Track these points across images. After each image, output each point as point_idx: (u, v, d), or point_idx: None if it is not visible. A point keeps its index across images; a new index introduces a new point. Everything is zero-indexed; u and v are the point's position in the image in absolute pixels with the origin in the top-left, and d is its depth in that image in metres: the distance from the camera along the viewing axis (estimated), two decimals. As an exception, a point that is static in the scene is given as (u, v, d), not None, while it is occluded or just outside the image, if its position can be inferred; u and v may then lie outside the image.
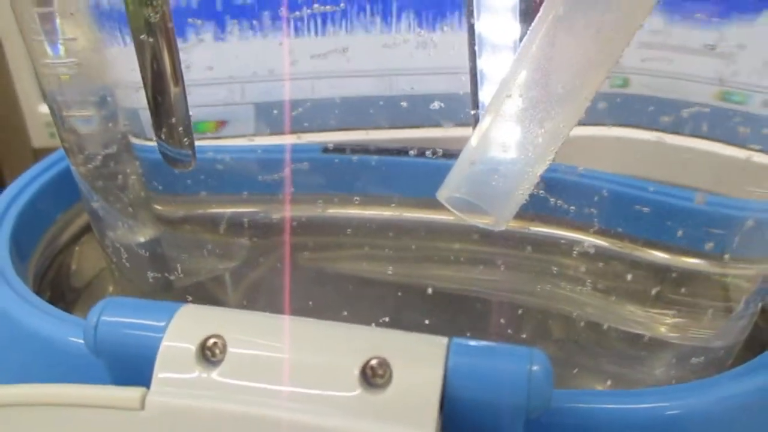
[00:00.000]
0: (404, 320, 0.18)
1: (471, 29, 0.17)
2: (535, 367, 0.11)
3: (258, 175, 0.19)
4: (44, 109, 0.35)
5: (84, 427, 0.10)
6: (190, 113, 0.16)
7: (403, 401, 0.10)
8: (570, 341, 0.18)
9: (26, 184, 0.20)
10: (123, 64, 0.16)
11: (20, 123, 0.36)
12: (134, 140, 0.18)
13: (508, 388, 0.11)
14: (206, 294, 0.20)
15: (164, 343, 0.11)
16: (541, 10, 0.15)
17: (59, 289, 0.21)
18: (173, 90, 0.15)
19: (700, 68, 0.15)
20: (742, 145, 0.15)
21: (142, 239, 0.20)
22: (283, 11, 0.16)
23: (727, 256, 0.16)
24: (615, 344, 0.18)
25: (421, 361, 0.11)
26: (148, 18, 0.13)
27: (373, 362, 0.10)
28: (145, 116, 0.16)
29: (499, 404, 0.11)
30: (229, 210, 0.20)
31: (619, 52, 0.15)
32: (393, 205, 0.18)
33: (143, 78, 0.15)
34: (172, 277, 0.19)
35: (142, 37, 0.14)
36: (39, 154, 0.37)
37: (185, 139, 0.15)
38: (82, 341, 0.14)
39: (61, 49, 0.17)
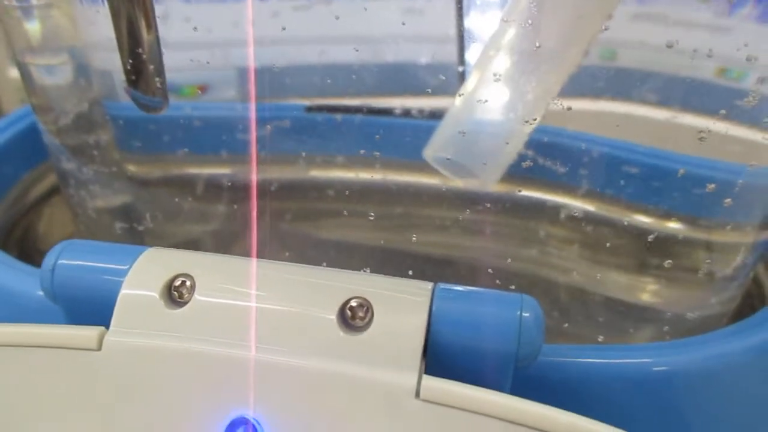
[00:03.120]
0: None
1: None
2: (525, 314, 0.10)
3: (237, 134, 0.18)
4: (14, 73, 0.34)
5: (37, 368, 0.10)
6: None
7: (384, 343, 0.09)
8: (555, 307, 0.18)
9: (-10, 140, 0.19)
10: (94, 16, 0.15)
11: (-10, 89, 0.34)
12: (106, 99, 0.17)
13: (498, 334, 0.10)
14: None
15: (126, 283, 0.10)
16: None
17: (26, 250, 0.20)
18: (147, 36, 0.14)
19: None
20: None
21: (114, 201, 0.19)
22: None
23: (715, 221, 0.15)
24: (601, 310, 0.17)
25: (404, 304, 0.10)
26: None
27: (353, 302, 0.10)
28: (118, 76, 0.15)
29: (488, 351, 0.10)
30: (206, 171, 0.19)
31: (612, 5, 0.14)
32: (377, 167, 0.18)
33: (113, 18, 0.14)
34: (145, 239, 0.19)
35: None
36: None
37: (157, 80, 0.15)
38: (36, 290, 0.13)
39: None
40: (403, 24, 0.17)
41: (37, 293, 0.13)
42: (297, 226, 0.19)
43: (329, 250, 0.19)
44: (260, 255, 0.18)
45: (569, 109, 0.15)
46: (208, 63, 0.16)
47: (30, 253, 0.20)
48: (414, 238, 0.18)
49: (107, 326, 0.10)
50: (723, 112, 0.14)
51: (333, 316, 0.10)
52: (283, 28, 0.16)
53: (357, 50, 0.17)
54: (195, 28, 0.16)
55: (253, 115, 0.17)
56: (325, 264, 0.16)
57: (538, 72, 0.15)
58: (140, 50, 0.15)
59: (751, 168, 0.15)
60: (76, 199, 0.19)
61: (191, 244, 0.19)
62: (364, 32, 0.18)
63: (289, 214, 0.19)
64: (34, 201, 0.20)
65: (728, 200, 0.15)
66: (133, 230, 0.19)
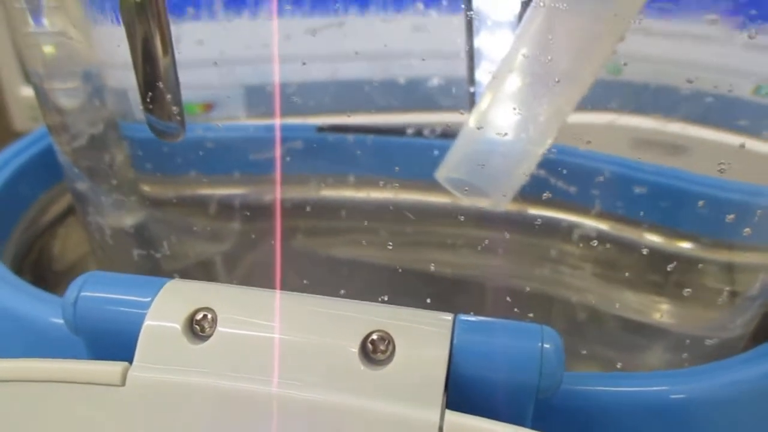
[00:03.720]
0: (400, 304, 0.17)
1: (468, 5, 0.17)
2: (546, 345, 0.10)
3: (250, 154, 0.18)
4: (26, 92, 0.34)
5: (61, 404, 0.10)
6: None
7: (406, 377, 0.09)
8: (569, 327, 0.18)
9: (6, 162, 0.19)
10: (110, 39, 0.15)
11: (2, 106, 0.35)
12: (121, 120, 0.17)
13: (519, 366, 0.10)
14: (195, 277, 0.19)
15: (149, 317, 0.10)
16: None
17: (40, 272, 0.20)
18: (163, 60, 0.14)
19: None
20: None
21: (128, 221, 0.19)
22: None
23: (735, 243, 0.15)
24: (615, 331, 0.17)
25: (425, 336, 0.10)
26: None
27: (374, 336, 0.10)
28: (134, 97, 0.16)
29: (510, 383, 0.10)
30: (220, 191, 0.19)
31: (623, 28, 0.14)
32: (389, 186, 0.18)
33: (131, 45, 0.14)
34: (160, 260, 0.19)
35: (129, 1, 0.13)
36: (21, 137, 0.36)
37: (174, 109, 0.15)
38: (56, 319, 0.13)
39: (45, 20, 0.17)
40: (414, 42, 0.17)
41: (53, 321, 0.14)
42: (308, 245, 0.19)
43: (341, 269, 0.19)
44: (274, 275, 0.18)
45: (588, 143, 0.15)
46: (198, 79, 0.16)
47: (44, 275, 0.20)
48: (426, 258, 0.18)
49: (128, 358, 0.10)
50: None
51: (355, 350, 0.10)
52: (300, 61, 0.16)
53: (367, 67, 0.17)
54: (200, 41, 0.16)
55: (278, 136, 0.17)
56: (342, 292, 0.16)
57: (550, 94, 0.15)
58: (156, 74, 0.15)
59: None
60: (90, 219, 0.19)
61: (206, 265, 0.19)
62: (375, 51, 0.18)
63: (300, 234, 0.19)
64: (48, 222, 0.21)
65: (749, 222, 0.15)
66: (149, 251, 0.19)
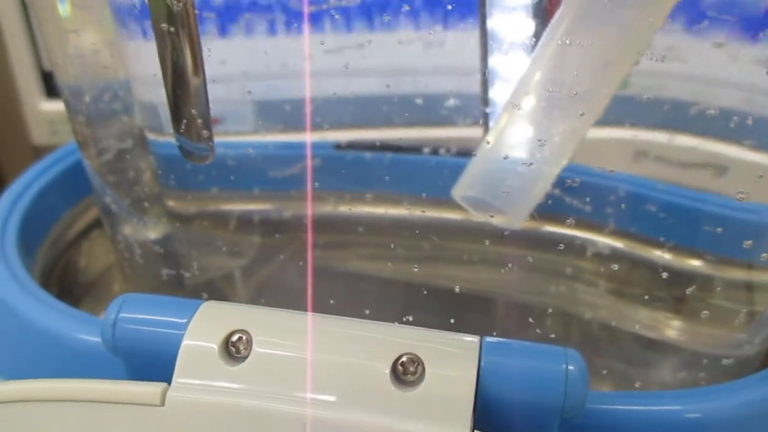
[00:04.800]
0: (417, 320, 0.17)
1: (483, 27, 0.17)
2: (571, 367, 0.10)
3: (270, 171, 0.19)
4: (46, 106, 0.34)
5: (102, 423, 0.10)
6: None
7: (436, 398, 0.10)
8: (585, 343, 0.18)
9: (33, 179, 0.20)
10: (141, 56, 0.16)
11: (21, 120, 0.35)
12: (149, 135, 0.18)
13: (545, 388, 0.10)
14: (217, 291, 0.20)
15: (186, 339, 0.11)
16: (560, 8, 0.15)
17: (67, 284, 0.20)
18: (193, 81, 0.15)
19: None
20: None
21: (153, 235, 0.19)
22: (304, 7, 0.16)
23: (754, 262, 0.16)
24: (632, 348, 0.17)
25: (453, 359, 0.10)
26: (171, 6, 0.13)
27: (404, 359, 0.10)
28: (163, 111, 0.16)
29: (535, 404, 0.10)
30: (241, 207, 0.19)
31: (638, 51, 0.15)
32: (406, 203, 0.18)
33: (163, 69, 0.15)
34: (184, 274, 0.19)
35: (162, 26, 0.13)
36: (40, 151, 0.36)
37: (204, 132, 0.15)
38: (90, 337, 0.14)
39: (78, 39, 0.17)
40: (429, 59, 0.17)
41: (80, 336, 0.14)
42: (327, 260, 0.20)
43: (359, 284, 0.20)
44: (295, 289, 0.18)
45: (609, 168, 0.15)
46: (217, 95, 0.16)
47: (70, 286, 0.21)
48: (442, 274, 0.18)
49: (164, 378, 0.11)
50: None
51: (387, 372, 0.10)
52: (318, 78, 0.17)
53: (388, 86, 0.18)
54: (208, 51, 0.16)
55: (309, 153, 0.17)
56: (367, 311, 0.16)
57: (566, 115, 0.16)
58: (187, 97, 0.15)
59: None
60: (116, 231, 0.19)
61: (228, 279, 0.20)
62: (391, 68, 0.18)
63: (319, 250, 0.19)
64: (73, 237, 0.21)
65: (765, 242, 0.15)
66: (172, 263, 0.19)
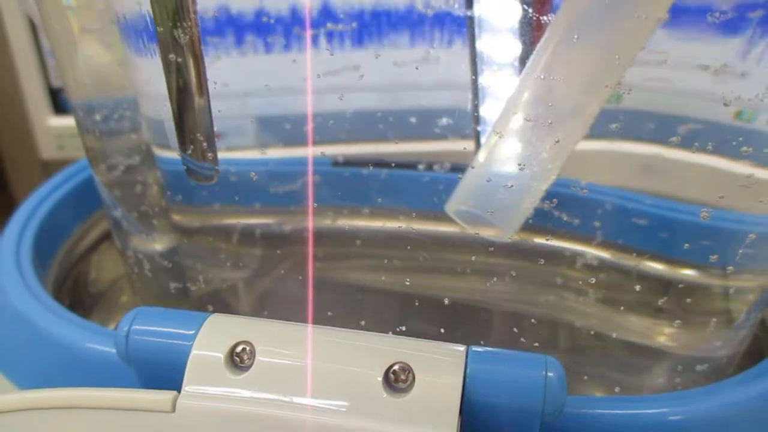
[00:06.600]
0: (410, 330, 0.18)
1: (473, 47, 0.18)
2: (550, 374, 0.11)
3: (271, 187, 0.20)
4: (53, 121, 0.35)
5: (117, 430, 0.11)
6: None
7: (425, 404, 0.11)
8: (574, 351, 0.19)
9: (46, 195, 0.21)
10: (148, 76, 0.17)
11: (29, 135, 0.36)
12: (156, 151, 0.18)
13: (525, 393, 0.11)
14: (221, 302, 0.20)
15: (195, 349, 0.11)
16: (548, 30, 0.15)
17: (78, 296, 0.21)
18: (198, 105, 0.15)
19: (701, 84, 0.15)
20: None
21: (160, 248, 0.20)
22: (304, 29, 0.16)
23: (729, 269, 0.16)
24: (618, 354, 0.18)
25: (441, 367, 0.11)
26: (177, 38, 0.14)
27: (396, 367, 0.11)
28: (170, 127, 0.17)
29: (517, 409, 0.11)
30: (243, 221, 0.20)
31: (622, 70, 0.16)
32: (401, 217, 0.19)
33: (169, 93, 0.15)
34: (189, 286, 0.20)
35: (170, 56, 0.14)
36: (47, 166, 0.37)
37: (209, 153, 0.16)
38: (101, 347, 0.15)
39: (89, 60, 0.18)
40: (423, 75, 0.18)
41: (91, 346, 0.15)
42: (326, 272, 0.20)
43: (356, 294, 0.20)
44: (296, 301, 0.19)
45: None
46: (219, 111, 0.17)
47: (80, 297, 0.21)
48: (436, 284, 0.19)
49: (173, 386, 0.12)
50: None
51: (380, 379, 0.11)
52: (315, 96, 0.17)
53: (378, 100, 0.18)
54: (226, 84, 0.17)
55: (311, 169, 0.18)
56: (362, 323, 0.17)
57: (553, 132, 0.17)
58: (192, 118, 0.16)
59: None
60: (125, 245, 0.20)
61: (231, 290, 0.21)
62: (386, 84, 0.19)
63: (318, 262, 0.20)
64: (83, 251, 0.22)
65: (741, 250, 0.16)
66: (178, 275, 0.20)
